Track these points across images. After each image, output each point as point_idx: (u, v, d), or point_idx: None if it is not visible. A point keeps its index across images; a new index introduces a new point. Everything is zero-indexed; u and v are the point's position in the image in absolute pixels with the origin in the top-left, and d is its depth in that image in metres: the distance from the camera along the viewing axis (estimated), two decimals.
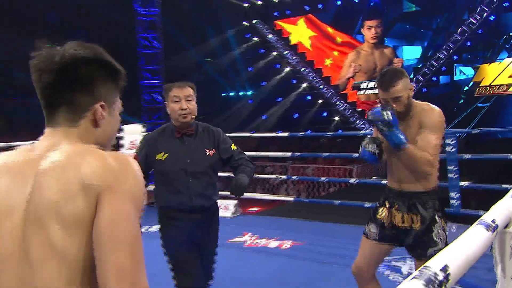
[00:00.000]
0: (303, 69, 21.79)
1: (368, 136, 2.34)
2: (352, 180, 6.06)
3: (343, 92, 20.73)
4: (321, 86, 21.40)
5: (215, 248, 2.54)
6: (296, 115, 22.19)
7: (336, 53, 20.86)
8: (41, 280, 0.80)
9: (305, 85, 22.26)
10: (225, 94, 23.51)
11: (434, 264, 0.90)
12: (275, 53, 22.41)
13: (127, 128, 6.41)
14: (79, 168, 0.82)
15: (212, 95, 22.43)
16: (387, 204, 2.27)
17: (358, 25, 20.24)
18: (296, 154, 6.04)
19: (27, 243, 0.81)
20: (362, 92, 20.08)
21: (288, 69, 22.48)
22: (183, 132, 2.38)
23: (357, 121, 20.26)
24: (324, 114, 21.87)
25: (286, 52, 22.05)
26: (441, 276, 0.87)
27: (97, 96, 0.91)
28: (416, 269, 2.07)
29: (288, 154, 5.83)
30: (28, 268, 0.81)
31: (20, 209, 0.84)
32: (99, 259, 0.77)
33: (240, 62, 22.43)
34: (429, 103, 2.18)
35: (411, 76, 19.31)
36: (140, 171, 0.87)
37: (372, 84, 19.65)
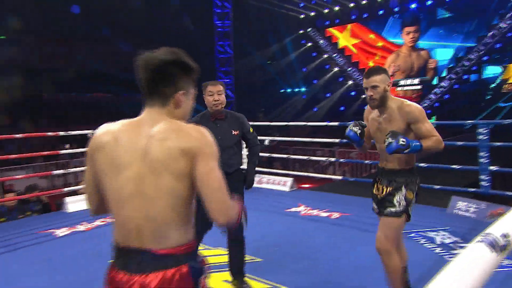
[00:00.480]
0: (349, 69, 21.10)
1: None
2: None
3: None
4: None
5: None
6: (342, 108, 21.57)
7: (377, 57, 19.97)
8: (154, 209, 1.05)
9: (350, 82, 21.53)
10: (282, 90, 23.35)
11: (495, 230, 0.84)
12: (325, 56, 21.88)
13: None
14: (178, 138, 1.07)
15: (272, 91, 22.38)
16: (377, 180, 2.33)
17: (397, 31, 19.22)
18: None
19: (143, 185, 1.05)
20: (400, 88, 19.19)
21: (336, 69, 21.85)
22: (216, 117, 2.65)
23: None
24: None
25: (334, 55, 21.45)
26: (502, 242, 0.82)
27: (178, 87, 1.12)
28: (380, 224, 2.21)
29: (337, 140, 5.67)
30: (144, 202, 1.05)
31: (137, 162, 1.07)
32: (204, 196, 1.06)
33: (295, 64, 22.14)
34: (405, 100, 2.24)
35: (444, 74, 18.16)
36: (211, 135, 1.12)
37: (409, 81, 18.73)
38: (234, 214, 1.10)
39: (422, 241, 3.51)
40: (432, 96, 18.54)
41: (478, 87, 17.60)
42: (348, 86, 21.55)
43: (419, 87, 18.78)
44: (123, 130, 1.11)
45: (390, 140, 2.06)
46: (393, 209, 2.19)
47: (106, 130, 1.12)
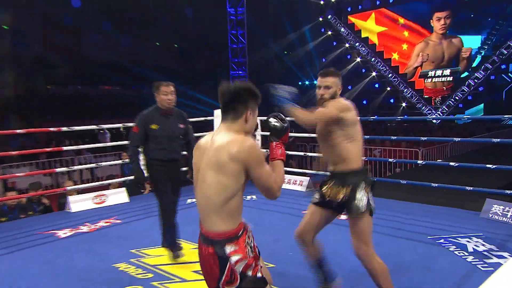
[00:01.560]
0: (373, 59, 20.83)
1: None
2: (419, 161, 5.69)
3: (410, 80, 19.59)
4: (389, 75, 20.35)
5: (180, 186, 3.49)
6: (365, 102, 21.35)
7: (405, 46, 19.61)
8: (210, 192, 1.58)
9: (374, 74, 21.29)
10: (300, 82, 23.21)
11: None
12: (347, 45, 21.65)
13: (217, 112, 6.53)
14: (228, 148, 1.57)
15: (289, 84, 22.29)
16: (328, 182, 2.48)
17: (427, 17, 18.83)
18: (366, 136, 5.73)
19: (204, 178, 1.61)
20: (429, 80, 18.85)
21: (358, 59, 21.61)
22: (167, 112, 3.37)
23: (423, 107, 19.13)
24: (392, 100, 20.82)
25: (357, 44, 21.21)
26: None
27: (248, 107, 1.66)
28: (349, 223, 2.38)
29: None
30: (201, 192, 1.63)
31: (201, 165, 1.65)
32: (258, 187, 1.63)
33: (314, 54, 21.98)
34: (341, 99, 2.49)
35: (476, 64, 17.66)
36: (256, 143, 1.58)
37: (439, 72, 18.38)
38: (279, 188, 1.66)
39: (452, 248, 3.43)
40: (465, 89, 18.15)
41: None
42: (371, 78, 21.31)
43: (450, 78, 18.44)
44: (206, 136, 1.74)
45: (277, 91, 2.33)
46: (357, 208, 2.35)
47: (206, 137, 1.74)
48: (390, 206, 4.89)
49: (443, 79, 18.56)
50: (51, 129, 4.95)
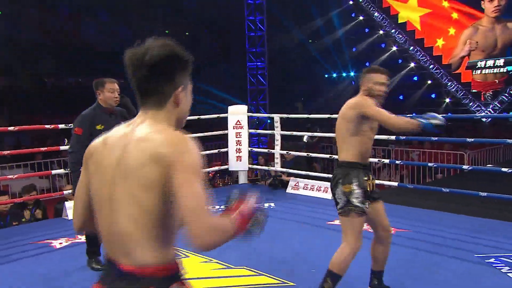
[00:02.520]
0: (411, 48, 20.54)
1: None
2: (465, 166, 5.56)
3: (455, 72, 19.24)
4: (431, 66, 20.03)
5: None
6: (401, 97, 21.07)
7: (452, 30, 19.25)
8: (120, 218, 1.12)
9: (412, 65, 20.95)
10: (327, 75, 23.10)
11: None
12: (381, 32, 21.41)
13: (231, 109, 6.59)
14: (153, 142, 1.13)
15: (314, 76, 22.18)
16: (367, 176, 2.80)
17: None
18: (402, 137, 5.67)
19: (114, 191, 1.14)
20: (478, 71, 18.48)
21: (394, 48, 21.33)
22: (110, 111, 3.52)
23: (470, 103, 18.74)
24: (433, 95, 20.46)
25: (392, 31, 20.96)
26: None
27: (177, 83, 1.19)
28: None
29: (392, 137, 5.50)
30: (112, 209, 1.14)
31: (112, 168, 1.16)
32: (178, 204, 1.07)
33: (343, 42, 21.83)
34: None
35: None
36: (195, 144, 1.14)
37: (490, 62, 18.01)
38: (219, 238, 1.07)
39: (505, 269, 3.36)
40: None
41: None
42: (410, 70, 21.04)
43: (503, 69, 18.06)
44: (114, 133, 1.24)
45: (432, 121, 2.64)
46: (338, 207, 2.67)
47: (102, 136, 1.26)
48: (430, 218, 4.80)
49: (495, 70, 18.17)
50: (47, 126, 4.98)
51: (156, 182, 1.10)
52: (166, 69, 1.17)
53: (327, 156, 6.98)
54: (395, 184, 6.16)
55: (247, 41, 15.71)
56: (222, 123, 6.72)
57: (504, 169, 4.57)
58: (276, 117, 6.38)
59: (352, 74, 22.99)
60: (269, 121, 15.24)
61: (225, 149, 6.72)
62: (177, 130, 1.18)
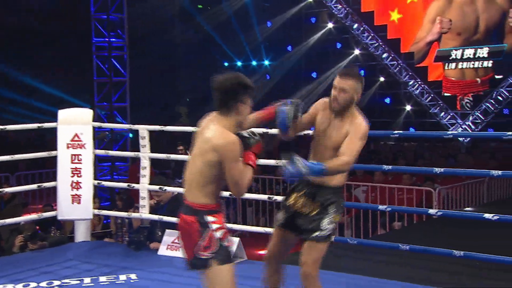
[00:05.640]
0: (355, 25, 21.55)
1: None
2: (432, 210, 5.90)
3: (420, 65, 20.40)
4: (384, 55, 21.13)
5: None
6: None
7: None
8: (196, 173, 3.35)
9: (356, 52, 22.06)
10: (228, 63, 23.34)
11: None
12: None
13: (64, 114, 6.43)
14: (212, 141, 3.27)
15: (207, 64, 22.24)
16: (297, 190, 4.01)
17: None
18: None
19: (194, 160, 3.39)
20: (453, 65, 19.69)
21: (329, 25, 22.28)
22: None
23: (441, 113, 19.88)
24: (387, 100, 21.66)
25: None
26: None
27: (238, 100, 3.33)
28: (302, 249, 3.92)
29: None
30: (190, 170, 3.41)
31: (195, 147, 3.44)
32: (228, 180, 3.30)
33: (252, 13, 22.23)
34: (360, 117, 3.96)
35: None
36: (237, 140, 3.27)
37: (470, 52, 19.18)
38: (246, 187, 3.31)
39: None
40: None
41: None
42: (353, 60, 22.02)
43: (488, 63, 19.34)
44: (205, 120, 3.48)
45: (285, 164, 3.59)
46: (320, 235, 3.84)
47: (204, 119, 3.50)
48: None
49: (476, 64, 19.43)
50: None
51: (213, 162, 3.21)
52: (232, 91, 3.29)
53: (227, 194, 7.02)
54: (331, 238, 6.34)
55: (94, 4, 15.43)
56: (47, 139, 6.54)
57: (487, 215, 4.92)
58: (143, 129, 6.33)
59: (266, 63, 23.55)
60: (131, 135, 15.00)
61: (50, 184, 6.64)
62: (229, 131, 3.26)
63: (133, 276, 5.51)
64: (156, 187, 6.36)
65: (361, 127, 3.86)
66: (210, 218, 3.24)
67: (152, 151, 6.41)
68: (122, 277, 5.47)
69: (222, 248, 3.24)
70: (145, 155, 6.32)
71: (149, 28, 19.76)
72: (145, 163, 6.33)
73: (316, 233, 3.82)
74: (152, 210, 6.45)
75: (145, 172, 6.34)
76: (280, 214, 4.08)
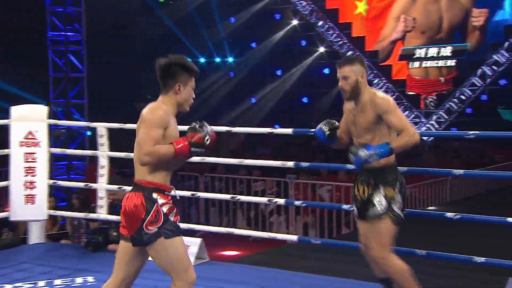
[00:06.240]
0: (320, 23, 21.64)
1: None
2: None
3: (384, 64, 20.59)
4: (349, 53, 21.24)
5: None
6: (305, 99, 22.09)
7: None
8: (136, 148, 3.43)
9: (322, 49, 22.19)
10: (191, 59, 23.19)
11: None
12: None
13: (17, 111, 6.33)
14: (142, 112, 3.50)
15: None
16: (357, 180, 4.21)
17: None
18: (305, 164, 5.99)
19: (137, 137, 3.46)
20: (417, 64, 19.91)
21: (294, 22, 22.36)
22: None
23: (406, 113, 20.10)
24: None
25: None
26: None
27: (177, 80, 3.50)
28: (365, 231, 4.12)
29: (290, 163, 5.73)
30: (135, 144, 3.45)
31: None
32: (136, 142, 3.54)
33: (215, 9, 22.19)
34: (378, 91, 4.15)
35: (494, 39, 19.23)
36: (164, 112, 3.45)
37: (434, 51, 19.43)
38: (146, 155, 3.29)
39: None
40: (478, 81, 19.58)
41: None
42: (318, 57, 22.12)
43: (452, 62, 19.63)
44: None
45: (352, 157, 3.84)
46: (374, 211, 3.98)
47: None
48: None
49: (440, 63, 19.72)
50: None
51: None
52: (171, 72, 3.47)
53: (188, 193, 7.00)
54: (294, 238, 6.37)
55: None
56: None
57: (449, 214, 4.99)
58: (101, 127, 6.27)
59: (230, 60, 23.57)
60: (89, 133, 14.85)
61: (2, 183, 6.57)
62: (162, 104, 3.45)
63: (90, 278, 5.41)
64: (115, 187, 6.31)
65: (387, 101, 3.97)
66: (156, 195, 3.33)
67: (114, 149, 6.36)
68: (79, 280, 5.38)
69: (169, 222, 3.32)
70: (103, 153, 6.25)
71: (108, 22, 19.65)
72: (103, 162, 6.28)
73: (369, 211, 3.99)
74: (111, 210, 6.38)
75: (103, 171, 6.29)
76: (354, 208, 4.27)
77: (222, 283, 5.02)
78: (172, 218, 3.35)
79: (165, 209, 3.33)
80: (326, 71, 21.93)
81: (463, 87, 19.53)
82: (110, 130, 6.31)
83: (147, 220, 3.27)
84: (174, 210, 3.39)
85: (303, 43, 22.31)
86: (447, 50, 19.38)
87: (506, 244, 6.54)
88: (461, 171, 5.34)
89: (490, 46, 19.54)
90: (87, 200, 8.30)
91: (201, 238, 6.04)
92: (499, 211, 5.76)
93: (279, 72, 22.31)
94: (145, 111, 3.41)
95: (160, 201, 3.33)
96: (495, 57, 19.33)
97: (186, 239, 5.94)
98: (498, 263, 4.71)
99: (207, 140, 3.44)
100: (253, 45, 22.80)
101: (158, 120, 3.34)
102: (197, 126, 3.49)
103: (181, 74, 3.49)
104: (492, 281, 5.08)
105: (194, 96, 3.62)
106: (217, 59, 23.55)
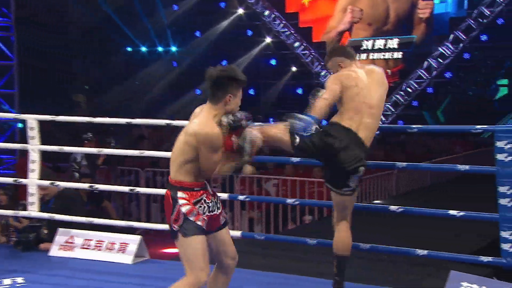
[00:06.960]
0: (266, 12, 21.68)
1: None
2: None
3: None
4: (296, 43, 21.35)
5: None
6: (251, 91, 22.12)
7: None
8: (176, 151, 3.88)
9: (268, 40, 22.26)
10: (131, 48, 23.04)
11: None
12: None
13: None
14: (194, 126, 3.81)
15: (106, 52, 21.86)
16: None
17: None
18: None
19: (178, 139, 3.90)
20: (364, 55, 20.12)
21: (240, 11, 22.37)
22: None
23: None
24: (299, 90, 21.98)
25: None
26: None
27: (227, 92, 3.79)
28: None
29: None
30: (176, 146, 3.90)
31: (183, 130, 3.92)
32: (201, 164, 3.84)
33: None
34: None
35: (439, 32, 19.62)
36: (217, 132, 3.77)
37: (380, 43, 19.70)
38: (208, 175, 3.86)
39: None
40: (423, 74, 19.93)
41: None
42: (264, 48, 22.16)
43: (398, 54, 19.95)
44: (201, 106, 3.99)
45: (294, 121, 4.32)
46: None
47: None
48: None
49: (387, 55, 20.06)
50: None
51: (191, 145, 3.68)
52: (221, 84, 3.73)
53: (126, 188, 6.95)
54: (238, 234, 6.37)
55: None
56: None
57: (392, 208, 5.07)
58: (32, 119, 6.17)
59: (173, 49, 23.45)
60: (19, 125, 14.59)
61: None
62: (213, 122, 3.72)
63: (19, 279, 5.34)
64: (46, 182, 6.21)
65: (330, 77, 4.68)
66: (180, 194, 3.69)
67: (48, 143, 6.28)
68: (7, 281, 5.30)
69: (188, 222, 3.67)
70: (34, 147, 6.15)
71: (40, 7, 19.26)
72: (34, 156, 6.17)
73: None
74: (42, 206, 6.29)
75: (34, 166, 6.18)
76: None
77: (162, 282, 4.98)
78: (192, 218, 3.68)
79: (184, 209, 3.68)
80: (273, 62, 22.05)
81: (409, 80, 19.85)
82: (41, 123, 6.21)
83: (172, 218, 3.70)
84: (195, 211, 3.71)
85: (249, 33, 22.33)
86: (393, 42, 19.69)
87: (448, 236, 6.71)
88: (404, 164, 5.49)
89: (436, 39, 19.91)
90: (16, 196, 8.18)
91: (140, 236, 6.05)
92: (442, 203, 5.89)
93: (224, 63, 22.24)
94: (201, 131, 3.66)
95: (181, 201, 3.69)
96: (440, 49, 19.72)
97: (124, 237, 5.98)
98: (440, 255, 4.83)
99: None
100: (197, 34, 22.71)
101: (217, 145, 3.67)
102: (235, 123, 3.80)
103: (232, 86, 3.75)
104: (434, 273, 5.20)
105: (240, 103, 3.88)
106: (160, 48, 23.33)
